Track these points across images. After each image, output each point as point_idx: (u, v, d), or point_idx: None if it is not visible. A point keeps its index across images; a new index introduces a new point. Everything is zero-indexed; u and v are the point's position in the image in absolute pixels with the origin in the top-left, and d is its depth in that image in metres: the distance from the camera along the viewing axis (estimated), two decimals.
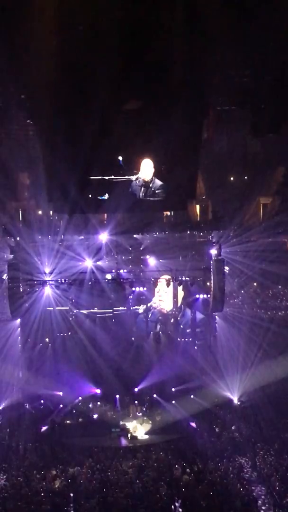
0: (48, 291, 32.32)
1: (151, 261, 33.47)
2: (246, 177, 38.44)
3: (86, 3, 22.77)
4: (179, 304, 34.32)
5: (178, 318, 34.55)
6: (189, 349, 34.04)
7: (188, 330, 34.72)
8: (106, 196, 27.77)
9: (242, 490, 22.54)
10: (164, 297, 34.12)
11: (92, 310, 33.71)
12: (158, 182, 27.68)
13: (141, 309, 34.27)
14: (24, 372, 32.64)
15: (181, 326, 34.69)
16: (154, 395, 32.19)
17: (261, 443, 26.97)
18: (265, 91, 26.48)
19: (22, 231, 33.24)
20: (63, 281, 31.89)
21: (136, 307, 34.21)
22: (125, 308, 34.14)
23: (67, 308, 33.53)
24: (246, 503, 21.70)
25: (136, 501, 21.76)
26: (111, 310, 33.80)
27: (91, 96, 24.81)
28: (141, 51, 23.62)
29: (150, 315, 34.33)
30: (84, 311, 33.72)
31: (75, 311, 33.64)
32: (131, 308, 34.18)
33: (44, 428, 29.64)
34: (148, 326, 34.39)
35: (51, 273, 31.96)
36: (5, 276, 31.01)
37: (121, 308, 34.00)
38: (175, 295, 33.98)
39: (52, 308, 32.93)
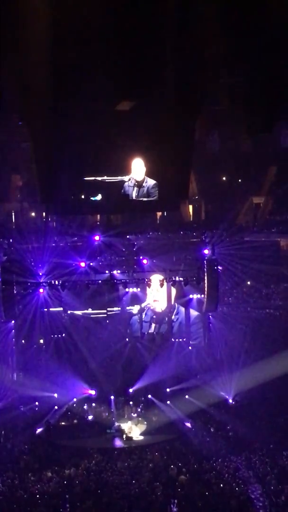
0: (41, 292, 32.25)
1: (145, 261, 33.42)
2: (238, 177, 38.57)
3: (80, 3, 22.75)
4: (172, 303, 34.27)
5: (172, 317, 34.49)
6: (184, 349, 34.03)
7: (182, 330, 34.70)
8: (98, 197, 27.73)
9: (238, 490, 22.50)
10: (158, 297, 34.08)
11: (86, 311, 33.66)
12: (151, 181, 27.65)
13: (135, 309, 34.22)
14: (18, 374, 32.55)
15: (175, 326, 34.62)
16: (149, 396, 32.15)
17: (256, 442, 26.96)
18: (258, 90, 26.49)
19: (15, 232, 33.18)
20: (56, 282, 31.83)
21: (130, 307, 34.16)
22: (119, 308, 34.08)
23: (61, 309, 33.46)
24: (242, 503, 21.66)
25: (132, 502, 21.70)
26: (105, 311, 33.76)
27: (82, 97, 24.78)
28: (133, 51, 23.60)
29: (144, 315, 34.29)
30: (78, 312, 33.65)
31: (69, 312, 33.56)
32: (126, 309, 34.09)
33: (39, 430, 29.54)
34: (142, 326, 34.34)
35: (44, 274, 31.91)
36: None
37: (115, 308, 33.96)
38: (168, 295, 33.95)
39: (46, 309, 32.85)
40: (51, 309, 32.99)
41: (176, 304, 34.42)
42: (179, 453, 26.46)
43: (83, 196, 27.90)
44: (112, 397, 31.82)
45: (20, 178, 36.74)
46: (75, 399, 32.03)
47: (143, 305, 34.12)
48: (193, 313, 34.23)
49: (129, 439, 29.14)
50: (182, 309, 34.56)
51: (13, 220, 36.58)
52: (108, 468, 24.93)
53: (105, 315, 33.89)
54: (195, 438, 27.96)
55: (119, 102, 25.72)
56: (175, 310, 34.57)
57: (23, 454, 26.64)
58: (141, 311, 34.19)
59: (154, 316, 34.34)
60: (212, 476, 23.70)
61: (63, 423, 30.69)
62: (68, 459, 26.16)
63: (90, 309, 33.64)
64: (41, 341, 33.43)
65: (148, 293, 33.85)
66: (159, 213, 37.34)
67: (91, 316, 33.72)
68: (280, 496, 21.88)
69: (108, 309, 33.88)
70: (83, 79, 24.40)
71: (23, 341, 33.09)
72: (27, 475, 24.35)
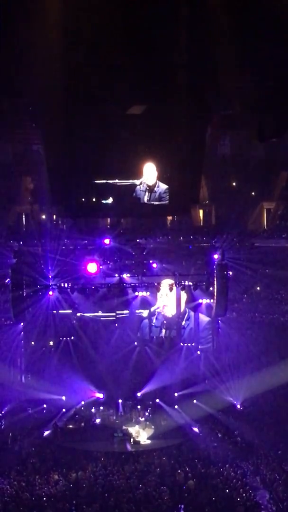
0: (51, 295, 32.25)
1: (154, 265, 33.35)
2: (249, 182, 38.51)
3: (90, 8, 22.85)
4: (182, 308, 34.15)
5: (183, 323, 34.34)
6: (192, 354, 33.93)
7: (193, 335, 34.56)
8: (110, 200, 27.77)
9: (245, 496, 22.43)
10: (168, 302, 33.97)
11: (95, 314, 33.57)
12: (163, 186, 27.66)
13: (145, 313, 34.08)
14: (26, 376, 32.58)
15: (186, 332, 34.47)
16: (157, 400, 32.09)
17: (264, 448, 26.87)
18: (269, 96, 26.49)
19: (26, 235, 33.24)
20: (66, 285, 31.82)
21: (140, 311, 34.01)
22: (128, 312, 33.95)
23: (70, 312, 33.42)
24: (249, 509, 21.60)
25: (139, 506, 21.68)
26: (114, 314, 33.65)
27: (94, 101, 24.88)
28: (145, 57, 23.68)
29: (154, 320, 34.16)
30: (88, 314, 33.57)
31: (78, 314, 33.49)
32: (136, 312, 33.93)
33: (46, 433, 29.57)
34: (151, 331, 34.25)
35: (54, 277, 31.92)
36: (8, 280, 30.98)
37: (124, 311, 33.85)
38: (178, 300, 33.82)
39: (55, 312, 32.82)
40: (60, 311, 32.93)
41: (187, 309, 34.26)
42: (186, 458, 26.39)
43: (94, 199, 27.95)
44: (120, 400, 31.79)
45: (31, 180, 36.85)
46: (83, 402, 32.05)
47: (152, 309, 33.97)
48: (204, 318, 34.05)
49: (137, 443, 29.07)
50: (193, 314, 34.41)
51: (24, 223, 36.66)
52: (115, 471, 24.91)
53: (114, 318, 33.79)
54: (203, 443, 27.89)
55: (131, 107, 25.81)
56: (186, 315, 34.41)
57: (31, 457, 26.68)
58: (151, 315, 34.07)
59: (165, 321, 34.21)
60: (220, 481, 23.64)
61: (70, 426, 30.66)
62: (75, 462, 26.17)
63: (100, 311, 33.56)
64: (51, 343, 33.38)
65: (158, 297, 33.74)
66: (169, 218, 37.34)
67: (101, 318, 33.65)
68: None
69: (118, 312, 33.79)
70: (96, 84, 24.52)
71: (32, 343, 33.03)
72: (34, 477, 24.37)
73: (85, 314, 33.57)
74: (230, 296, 32.49)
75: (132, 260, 34.18)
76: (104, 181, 27.26)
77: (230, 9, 22.77)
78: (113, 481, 23.89)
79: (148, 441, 29.37)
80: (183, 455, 26.78)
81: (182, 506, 21.69)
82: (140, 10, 22.53)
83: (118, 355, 33.23)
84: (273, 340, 32.92)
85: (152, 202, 27.74)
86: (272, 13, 22.63)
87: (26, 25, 22.61)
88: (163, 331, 34.29)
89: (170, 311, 34.09)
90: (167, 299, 33.72)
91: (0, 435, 28.77)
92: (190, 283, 32.48)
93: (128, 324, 34.05)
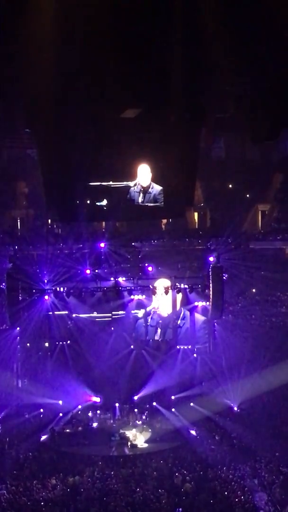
0: (46, 299, 32.20)
1: (150, 268, 33.32)
2: (244, 184, 38.56)
3: (84, 11, 22.84)
4: (178, 308, 34.05)
5: (178, 322, 34.24)
6: (189, 356, 33.90)
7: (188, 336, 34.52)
8: (104, 202, 27.69)
9: (243, 498, 22.40)
10: (163, 303, 33.88)
11: (91, 315, 33.43)
12: (157, 187, 27.60)
13: (140, 313, 33.99)
14: (23, 381, 32.50)
15: (181, 332, 34.39)
16: (154, 403, 32.08)
17: (261, 450, 26.83)
18: (263, 98, 26.50)
19: (21, 239, 33.20)
20: (61, 289, 31.78)
21: (135, 311, 33.88)
22: (124, 312, 33.81)
23: (66, 313, 33.33)
24: (247, 511, 21.57)
25: (137, 510, 21.65)
26: (110, 314, 33.53)
27: (88, 103, 24.85)
28: (138, 59, 23.66)
29: (150, 319, 34.05)
30: (84, 316, 33.47)
31: (74, 315, 33.38)
32: (131, 312, 33.84)
33: (43, 437, 29.51)
34: (147, 331, 34.18)
35: (49, 281, 31.87)
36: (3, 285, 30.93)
37: (120, 312, 33.73)
38: (174, 300, 33.76)
39: (51, 313, 32.76)
40: (56, 315, 32.84)
41: (182, 308, 34.17)
42: (184, 461, 26.37)
43: (88, 202, 27.88)
44: (117, 404, 31.79)
45: (26, 185, 36.84)
46: (80, 406, 32.01)
47: (148, 308, 33.87)
48: (200, 317, 34.01)
49: (134, 446, 29.04)
50: (188, 313, 34.34)
51: (19, 227, 36.63)
52: (113, 475, 24.88)
53: (110, 318, 33.70)
54: (200, 446, 27.87)
55: (125, 109, 25.76)
56: (181, 315, 34.28)
57: (28, 461, 26.61)
58: (146, 314, 33.96)
59: (160, 321, 34.11)
60: (217, 484, 23.63)
61: (67, 430, 30.65)
62: (72, 466, 26.14)
63: (95, 312, 33.45)
64: (46, 344, 33.28)
65: (154, 298, 33.67)
66: (164, 220, 37.32)
67: (96, 319, 33.56)
68: (286, 505, 21.75)
69: (113, 312, 33.67)
70: (89, 86, 24.47)
71: (28, 345, 32.94)
72: (31, 482, 24.30)
73: (81, 315, 33.44)
74: (226, 298, 32.50)
75: (127, 263, 34.14)
76: (98, 183, 27.19)
77: (224, 11, 22.78)
78: (110, 485, 23.87)
79: (146, 445, 29.34)
80: (180, 458, 26.76)
81: (180, 509, 21.66)
82: (133, 13, 22.52)
83: (114, 358, 33.20)
84: (269, 342, 32.90)
85: (147, 204, 27.65)
86: (267, 14, 22.64)
87: (18, 27, 22.58)
88: (159, 330, 34.16)
89: (165, 310, 34.00)
90: (163, 298, 33.62)
91: None
92: (186, 286, 32.52)
93: (124, 326, 33.97)
